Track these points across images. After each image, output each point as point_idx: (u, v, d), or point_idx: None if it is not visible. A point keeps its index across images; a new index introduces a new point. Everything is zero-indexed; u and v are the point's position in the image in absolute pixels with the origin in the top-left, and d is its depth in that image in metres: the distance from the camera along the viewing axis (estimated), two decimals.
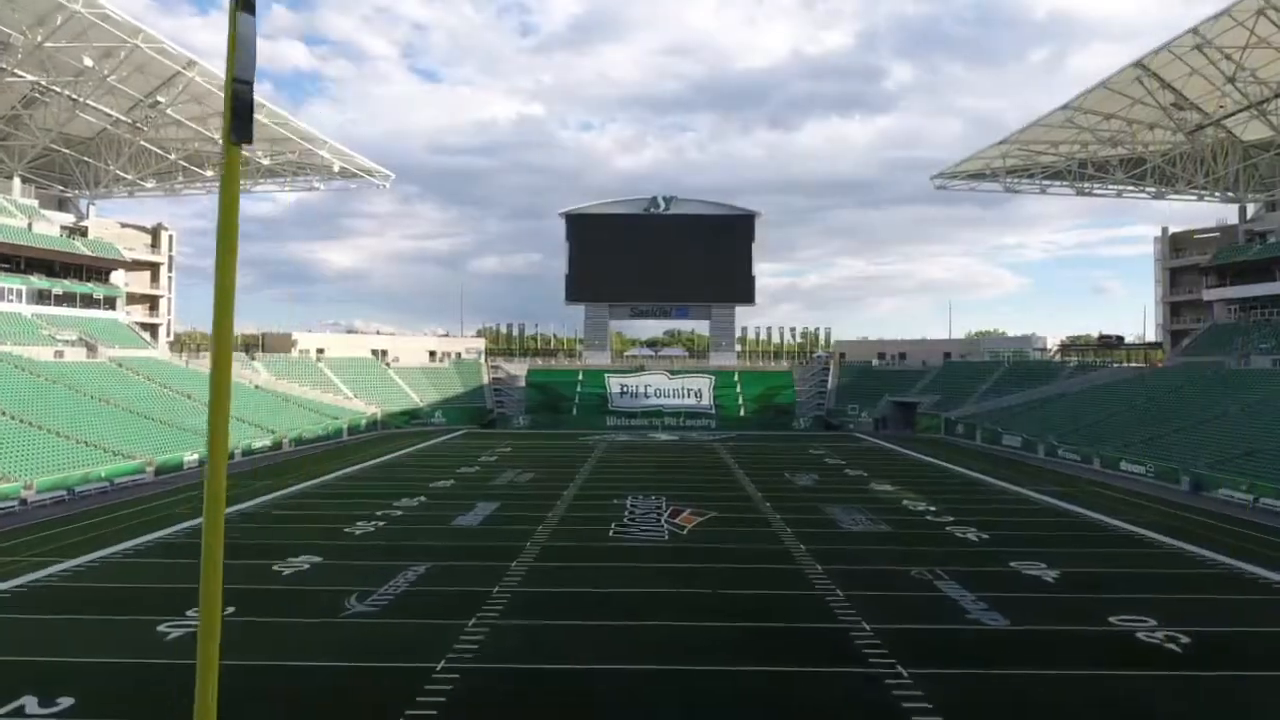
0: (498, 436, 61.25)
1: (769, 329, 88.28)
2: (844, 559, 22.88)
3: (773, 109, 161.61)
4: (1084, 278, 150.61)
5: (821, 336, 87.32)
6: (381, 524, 27.55)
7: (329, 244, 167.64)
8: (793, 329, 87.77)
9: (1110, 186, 69.18)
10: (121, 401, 46.82)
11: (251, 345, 76.21)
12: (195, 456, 41.57)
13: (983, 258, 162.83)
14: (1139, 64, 53.15)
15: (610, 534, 26.20)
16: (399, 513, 29.66)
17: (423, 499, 32.70)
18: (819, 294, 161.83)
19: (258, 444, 47.87)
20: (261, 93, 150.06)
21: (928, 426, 65.19)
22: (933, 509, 31.07)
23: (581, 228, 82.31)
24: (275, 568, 21.44)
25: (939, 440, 60.54)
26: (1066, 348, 76.66)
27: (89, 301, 60.65)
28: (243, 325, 79.16)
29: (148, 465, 38.04)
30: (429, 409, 69.54)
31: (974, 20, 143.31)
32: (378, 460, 45.89)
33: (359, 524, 27.30)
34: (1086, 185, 69.19)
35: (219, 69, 56.23)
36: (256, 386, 61.22)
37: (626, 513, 29.78)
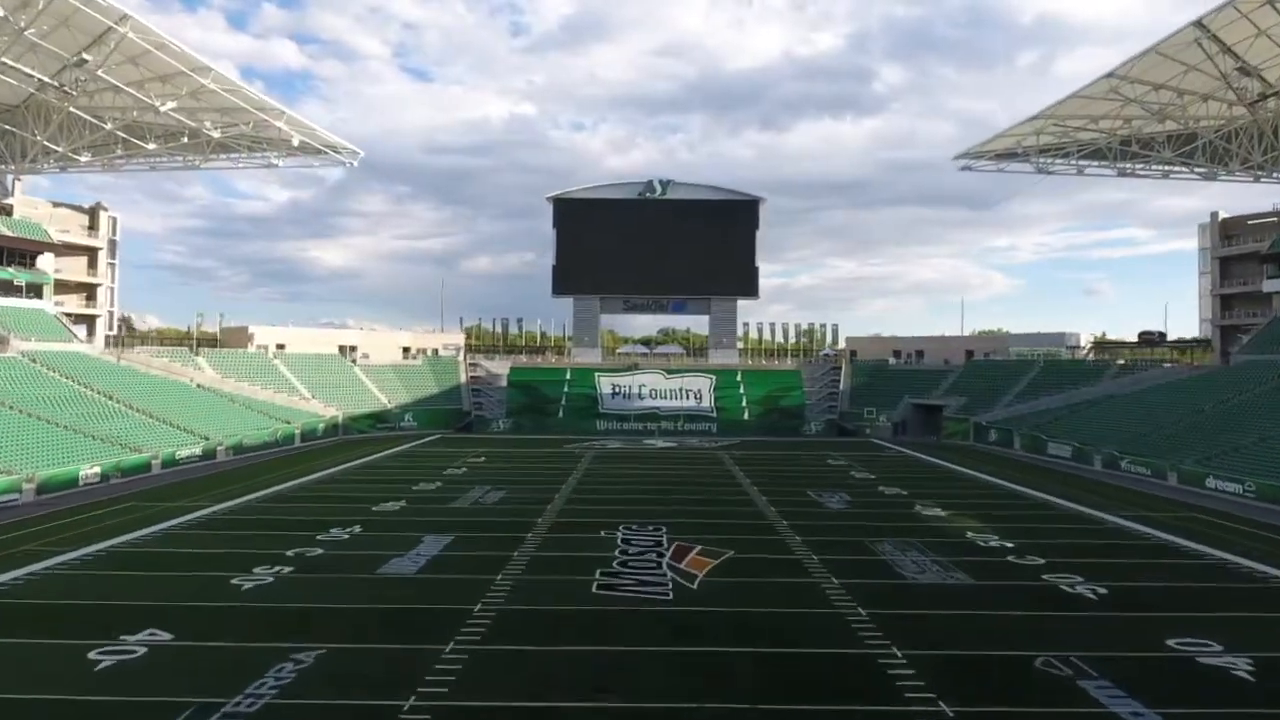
0: (472, 443, 54.20)
1: (771, 325, 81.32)
2: (927, 635, 15.97)
3: (764, 110, 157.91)
4: (1076, 280, 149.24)
5: (828, 334, 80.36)
6: (286, 570, 20.49)
7: (322, 243, 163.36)
8: (797, 325, 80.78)
9: (1155, 166, 62.51)
10: (22, 403, 39.61)
11: (206, 342, 69.14)
12: (96, 470, 34.40)
13: (974, 259, 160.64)
14: (1198, 23, 46.36)
15: (594, 589, 19.21)
16: (317, 552, 22.60)
17: (357, 530, 25.66)
18: (811, 294, 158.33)
19: (184, 453, 40.72)
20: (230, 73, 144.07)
21: (955, 432, 58.43)
22: (1009, 545, 24.21)
23: (570, 214, 75.32)
24: (93, 655, 14.40)
25: (971, 448, 53.80)
26: (1101, 345, 70.01)
27: (9, 289, 53.37)
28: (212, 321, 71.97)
29: (27, 482, 30.86)
30: (398, 411, 62.41)
31: (964, 24, 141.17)
32: (322, 473, 38.80)
33: (256, 570, 20.24)
34: (1129, 165, 62.49)
35: (156, 25, 49.29)
36: (199, 386, 54.05)
37: (617, 551, 22.85)
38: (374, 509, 29.20)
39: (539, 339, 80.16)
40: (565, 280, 75.07)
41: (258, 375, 58.90)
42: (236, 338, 68.15)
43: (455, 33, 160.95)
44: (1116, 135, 60.34)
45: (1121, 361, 61.45)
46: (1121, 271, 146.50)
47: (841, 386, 69.22)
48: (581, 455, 47.69)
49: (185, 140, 60.18)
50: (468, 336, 78.97)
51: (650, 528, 25.94)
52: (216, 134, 59.88)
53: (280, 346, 67.86)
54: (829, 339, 79.69)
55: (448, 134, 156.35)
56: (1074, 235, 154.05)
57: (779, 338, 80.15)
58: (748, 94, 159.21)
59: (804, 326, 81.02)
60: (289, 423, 51.71)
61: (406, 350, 75.00)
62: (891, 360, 72.46)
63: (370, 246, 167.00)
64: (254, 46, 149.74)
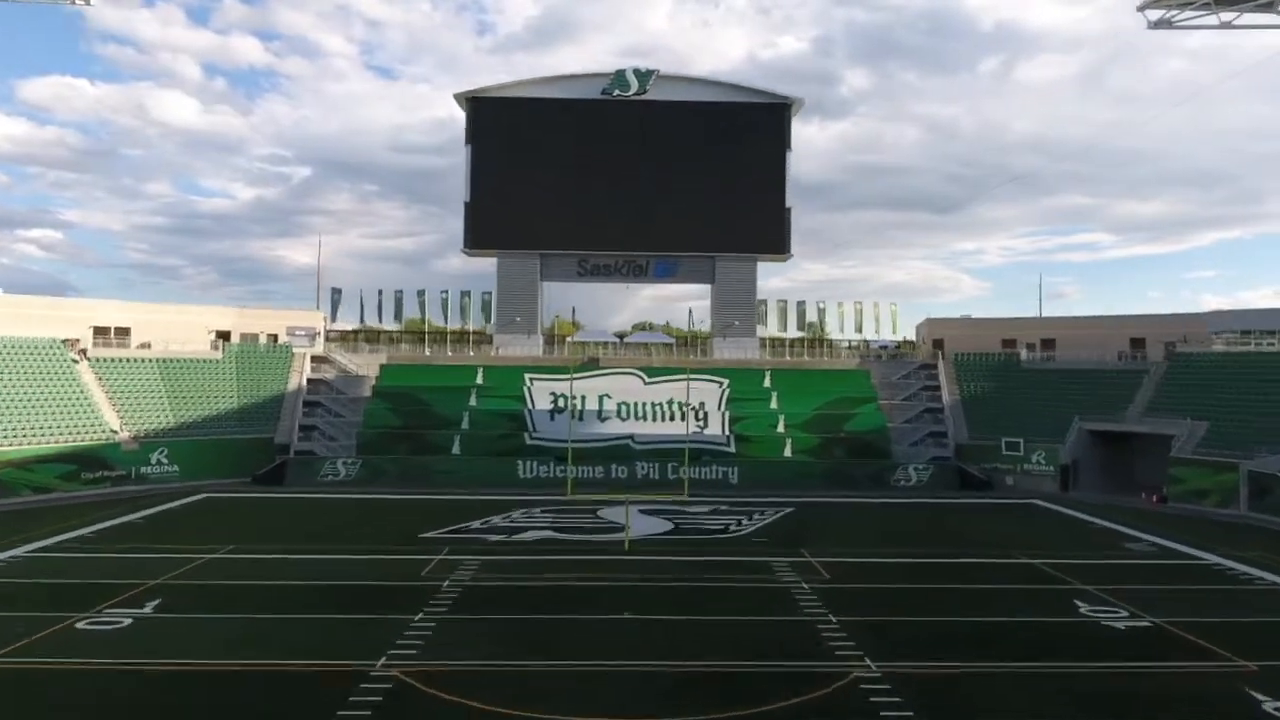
0: (240, 520, 25.35)
1: (800, 304, 52.20)
2: None
3: None
4: (1044, 283, 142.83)
5: (883, 316, 51.15)
6: None
7: (290, 241, 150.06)
8: (856, 303, 51.27)
9: None
10: None
11: None
12: None
13: (943, 263, 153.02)
14: None
15: None
16: None
17: None
18: (789, 297, 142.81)
19: None
20: (213, 88, 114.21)
21: (1202, 490, 30.47)
22: None
23: (495, 123, 46.80)
24: None
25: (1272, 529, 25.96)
26: None
27: None
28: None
29: None
30: (139, 448, 33.13)
31: (925, 30, 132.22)
32: None
33: None
34: None
35: None
36: None
37: None
38: None
39: (450, 329, 50.74)
40: (485, 228, 46.46)
41: None
42: None
43: (421, 31, 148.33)
44: None
45: None
46: (1085, 275, 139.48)
47: (944, 399, 41.06)
48: (439, 583, 18.98)
49: None
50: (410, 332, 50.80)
51: None
52: None
53: None
54: (884, 325, 50.63)
55: (414, 132, 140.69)
56: (1040, 239, 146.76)
57: (809, 322, 51.25)
58: None
59: (863, 306, 51.82)
60: None
61: (225, 336, 45.75)
62: (1025, 355, 43.83)
63: (339, 245, 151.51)
64: (215, 42, 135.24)
